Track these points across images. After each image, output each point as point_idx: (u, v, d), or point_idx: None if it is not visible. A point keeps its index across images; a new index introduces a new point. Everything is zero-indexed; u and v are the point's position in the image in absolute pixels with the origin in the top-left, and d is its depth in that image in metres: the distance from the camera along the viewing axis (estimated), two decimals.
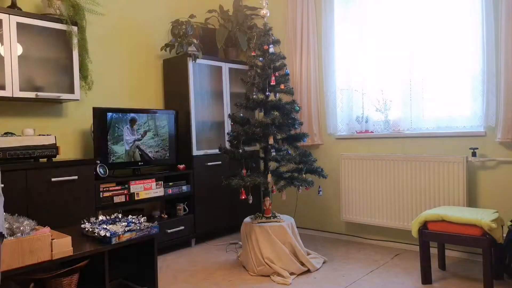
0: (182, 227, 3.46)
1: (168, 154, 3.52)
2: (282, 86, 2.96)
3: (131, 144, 3.27)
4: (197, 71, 3.71)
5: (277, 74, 2.95)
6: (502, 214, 2.86)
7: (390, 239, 3.43)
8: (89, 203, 2.85)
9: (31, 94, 2.73)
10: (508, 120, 2.76)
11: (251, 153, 3.03)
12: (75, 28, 2.95)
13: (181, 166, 3.57)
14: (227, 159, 3.07)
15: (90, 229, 2.34)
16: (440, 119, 3.16)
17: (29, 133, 2.69)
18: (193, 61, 3.59)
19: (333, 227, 3.79)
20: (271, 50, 2.93)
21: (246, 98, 3.02)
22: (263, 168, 3.08)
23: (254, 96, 2.97)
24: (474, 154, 2.94)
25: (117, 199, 3.05)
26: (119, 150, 3.19)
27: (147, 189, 3.25)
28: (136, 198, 3.17)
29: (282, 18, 4.02)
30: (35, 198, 2.56)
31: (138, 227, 2.36)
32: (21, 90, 2.69)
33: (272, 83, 2.89)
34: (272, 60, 2.94)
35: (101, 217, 2.54)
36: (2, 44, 2.61)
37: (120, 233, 2.25)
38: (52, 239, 1.98)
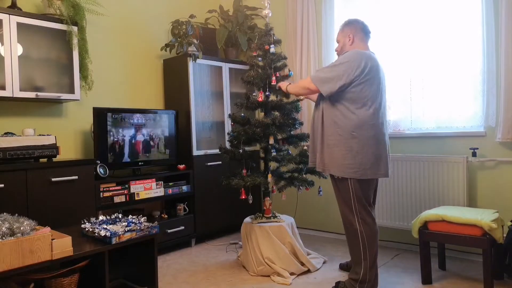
0: (182, 227, 3.46)
1: (168, 154, 3.52)
2: (273, 81, 2.93)
3: (131, 144, 3.26)
4: (197, 71, 3.71)
5: (278, 74, 2.95)
6: (502, 214, 2.86)
7: (390, 239, 3.43)
8: (89, 203, 2.85)
9: (31, 94, 2.73)
10: (508, 120, 2.76)
11: (251, 153, 3.03)
12: (75, 28, 2.94)
13: (181, 166, 3.57)
14: (227, 159, 3.07)
15: (90, 229, 2.34)
16: (440, 119, 3.16)
17: (29, 133, 2.68)
18: (193, 61, 3.59)
19: (333, 227, 3.79)
20: (272, 50, 2.93)
21: (247, 98, 3.03)
22: (263, 168, 3.08)
23: (254, 95, 2.97)
24: (474, 154, 2.94)
25: (117, 199, 3.05)
26: (119, 150, 3.19)
27: (147, 189, 3.25)
28: (136, 198, 3.17)
29: (282, 18, 4.02)
30: (35, 198, 2.56)
31: (138, 227, 2.36)
32: (21, 90, 2.69)
33: (273, 83, 2.89)
34: (273, 60, 2.94)
35: (101, 217, 2.54)
36: (2, 44, 2.61)
37: (120, 233, 2.25)
38: (52, 239, 1.98)
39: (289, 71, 2.99)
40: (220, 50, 4.09)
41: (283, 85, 2.81)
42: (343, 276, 2.75)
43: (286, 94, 2.88)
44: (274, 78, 2.88)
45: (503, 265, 2.49)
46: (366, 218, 2.37)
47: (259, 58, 2.98)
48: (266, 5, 3.03)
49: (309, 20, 3.77)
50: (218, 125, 3.98)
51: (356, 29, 2.51)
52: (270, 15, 3.02)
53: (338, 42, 2.60)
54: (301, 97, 3.02)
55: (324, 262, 3.05)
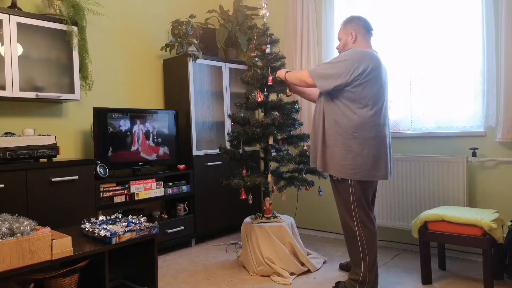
0: (182, 227, 3.46)
1: (168, 154, 3.52)
2: (270, 81, 2.90)
3: (131, 144, 3.27)
4: (197, 71, 3.71)
5: None
6: (502, 214, 2.86)
7: (390, 239, 3.43)
8: (89, 203, 2.85)
9: (31, 94, 2.73)
10: (508, 120, 2.76)
11: (251, 153, 3.03)
12: (75, 28, 2.94)
13: (181, 166, 3.57)
14: (227, 159, 3.07)
15: (90, 229, 2.34)
16: (440, 119, 3.16)
17: (29, 133, 2.69)
18: (193, 61, 3.59)
19: (333, 227, 3.79)
20: (268, 50, 2.93)
21: (246, 98, 3.03)
22: (263, 168, 3.08)
23: (253, 95, 2.97)
24: (474, 154, 2.94)
25: (117, 199, 3.05)
26: (119, 150, 3.18)
27: (147, 189, 3.25)
28: (136, 198, 3.17)
29: (282, 18, 4.02)
30: (35, 198, 2.56)
31: (138, 227, 2.36)
32: (21, 90, 2.69)
33: (269, 83, 2.89)
34: (270, 60, 2.94)
35: (101, 217, 2.54)
36: (2, 44, 2.61)
37: (120, 233, 2.25)
38: (52, 239, 1.98)
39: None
40: (220, 50, 4.09)
41: (281, 73, 2.76)
42: (343, 276, 2.75)
43: (284, 86, 2.84)
44: (270, 78, 2.88)
45: (503, 265, 2.49)
46: (366, 221, 2.36)
47: (256, 59, 2.98)
48: (263, 5, 3.03)
49: (309, 20, 3.77)
50: (218, 125, 3.98)
51: (359, 27, 2.47)
52: (267, 15, 3.02)
53: (339, 40, 2.56)
54: (294, 97, 2.98)
55: (324, 262, 3.05)
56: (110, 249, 2.22)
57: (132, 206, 3.35)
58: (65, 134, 3.19)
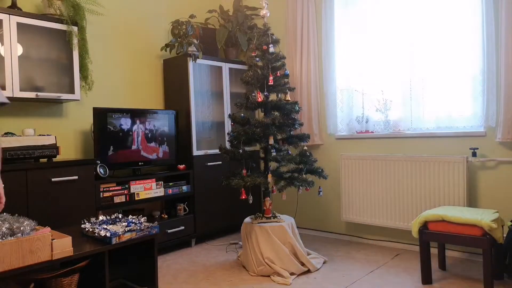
0: (182, 227, 3.46)
1: (168, 154, 3.52)
2: (270, 81, 2.90)
3: (131, 144, 3.26)
4: (197, 71, 3.71)
5: (278, 74, 2.95)
6: (502, 214, 2.86)
7: (390, 239, 3.43)
8: (89, 203, 2.85)
9: (31, 94, 2.73)
10: (508, 120, 2.76)
11: (251, 153, 3.03)
12: (75, 28, 2.95)
13: (181, 166, 3.57)
14: (227, 159, 3.07)
15: (90, 229, 2.34)
16: (440, 119, 3.16)
17: (29, 133, 2.69)
18: (193, 61, 3.59)
19: (333, 227, 3.79)
20: (271, 49, 2.93)
21: (246, 98, 3.03)
22: (263, 168, 3.08)
23: (253, 95, 2.97)
24: (474, 154, 2.94)
25: (117, 199, 3.05)
26: (119, 150, 3.18)
27: (147, 189, 3.25)
28: (136, 198, 3.17)
29: (282, 18, 4.02)
30: (35, 198, 2.56)
31: (138, 227, 2.36)
32: (21, 90, 2.69)
33: (270, 83, 2.89)
34: (270, 60, 2.94)
35: (101, 217, 2.54)
36: (3, 44, 2.61)
37: (120, 233, 2.25)
38: (52, 239, 1.98)
39: (285, 70, 2.99)
40: (220, 50, 4.09)
41: None
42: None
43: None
44: (271, 78, 2.88)
45: (503, 265, 2.49)
46: None
47: (257, 59, 2.98)
48: (264, 5, 3.03)
49: (309, 20, 3.77)
50: (218, 125, 3.98)
51: None
52: (268, 15, 3.02)
53: None
54: (294, 97, 2.85)
55: (324, 262, 3.05)
56: (110, 249, 2.22)
57: (132, 206, 3.35)
58: (65, 134, 3.19)
